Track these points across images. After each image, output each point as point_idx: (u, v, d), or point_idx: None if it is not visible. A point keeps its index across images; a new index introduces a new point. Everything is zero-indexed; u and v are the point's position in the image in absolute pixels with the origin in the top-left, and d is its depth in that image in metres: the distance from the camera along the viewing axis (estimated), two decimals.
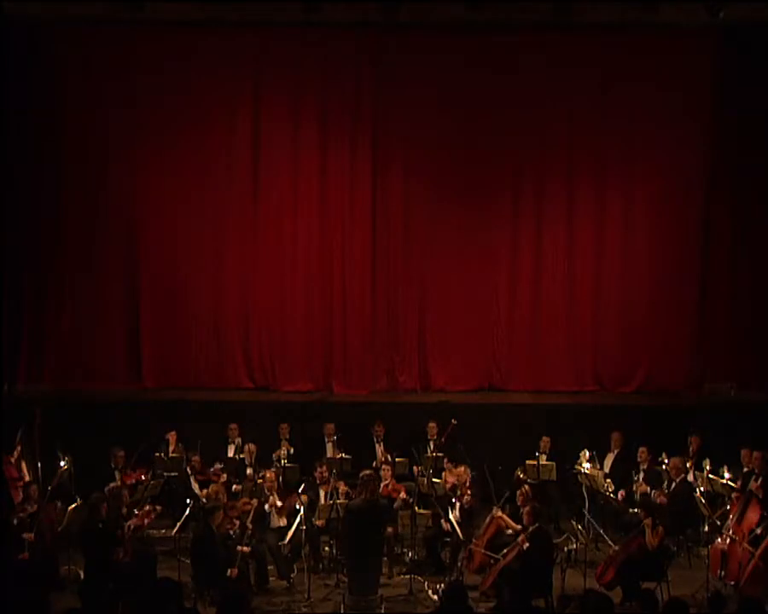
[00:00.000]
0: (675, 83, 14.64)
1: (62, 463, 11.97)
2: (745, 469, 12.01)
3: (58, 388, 14.67)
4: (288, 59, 14.85)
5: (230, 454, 13.20)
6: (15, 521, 10.66)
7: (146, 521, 10.88)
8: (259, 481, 11.88)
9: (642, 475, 12.48)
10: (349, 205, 15.10)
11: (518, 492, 11.04)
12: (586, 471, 12.32)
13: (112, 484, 11.82)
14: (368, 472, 10.29)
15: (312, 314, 15.14)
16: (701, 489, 11.80)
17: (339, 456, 12.74)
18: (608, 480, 12.33)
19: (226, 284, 15.17)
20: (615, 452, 13.03)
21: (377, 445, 13.38)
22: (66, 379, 14.80)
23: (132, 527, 10.51)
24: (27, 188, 14.83)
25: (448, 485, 11.79)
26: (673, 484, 11.98)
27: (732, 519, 10.76)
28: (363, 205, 15.10)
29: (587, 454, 12.52)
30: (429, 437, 13.22)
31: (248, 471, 12.52)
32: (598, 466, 12.62)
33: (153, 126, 14.89)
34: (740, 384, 14.76)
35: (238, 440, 13.19)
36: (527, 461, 12.67)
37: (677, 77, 14.63)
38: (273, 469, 12.16)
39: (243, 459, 12.82)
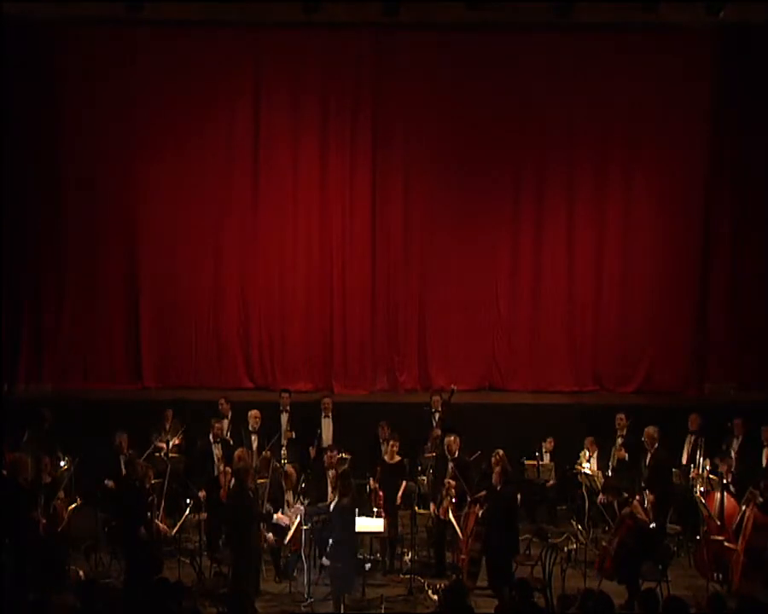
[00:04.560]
0: (675, 83, 14.64)
1: (62, 463, 11.96)
2: None
3: (58, 388, 14.69)
4: (288, 58, 14.85)
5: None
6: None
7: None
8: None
9: (620, 441, 12.44)
10: (349, 205, 15.10)
11: (492, 456, 10.90)
12: (586, 471, 12.32)
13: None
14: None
15: (312, 314, 15.14)
16: (701, 489, 11.78)
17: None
18: None
19: (226, 284, 15.17)
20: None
21: (383, 447, 13.29)
22: (66, 379, 14.82)
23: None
24: (27, 187, 14.82)
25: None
26: (648, 455, 11.85)
27: (713, 517, 10.83)
28: (363, 205, 15.10)
29: (587, 454, 12.52)
30: (433, 409, 13.18)
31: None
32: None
33: (153, 126, 14.90)
34: (740, 384, 14.78)
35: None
36: (527, 461, 12.67)
37: (677, 77, 14.64)
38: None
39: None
